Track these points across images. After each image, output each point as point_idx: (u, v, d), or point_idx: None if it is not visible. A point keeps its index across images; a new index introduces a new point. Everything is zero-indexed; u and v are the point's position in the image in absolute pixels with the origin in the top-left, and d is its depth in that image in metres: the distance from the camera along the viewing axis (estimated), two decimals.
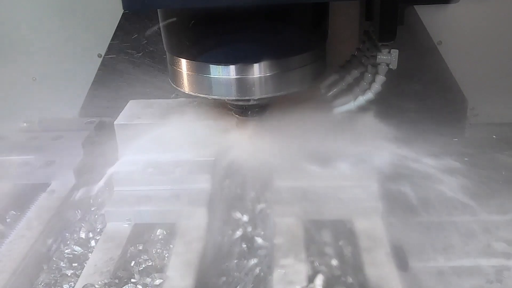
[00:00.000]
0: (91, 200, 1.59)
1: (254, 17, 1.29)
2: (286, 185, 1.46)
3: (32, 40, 1.98)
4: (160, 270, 1.31)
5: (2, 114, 2.08)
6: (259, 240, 1.37)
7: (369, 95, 1.52)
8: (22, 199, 1.58)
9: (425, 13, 1.80)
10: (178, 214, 1.43)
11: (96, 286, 1.23)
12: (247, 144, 1.55)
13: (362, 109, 1.57)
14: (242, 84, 1.37)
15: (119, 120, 1.65)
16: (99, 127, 1.88)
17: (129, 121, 1.64)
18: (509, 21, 1.86)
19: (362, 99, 1.53)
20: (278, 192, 1.45)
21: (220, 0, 1.19)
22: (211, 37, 1.34)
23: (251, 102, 1.48)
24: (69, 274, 1.34)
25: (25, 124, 1.93)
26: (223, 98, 1.46)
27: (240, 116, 1.57)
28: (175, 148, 1.58)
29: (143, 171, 1.54)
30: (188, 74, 1.44)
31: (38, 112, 1.99)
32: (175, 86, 1.51)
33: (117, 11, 1.82)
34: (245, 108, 1.54)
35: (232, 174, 1.50)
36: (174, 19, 1.36)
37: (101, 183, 1.52)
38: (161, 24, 1.44)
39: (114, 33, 1.89)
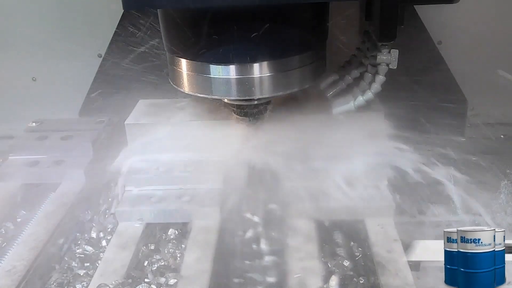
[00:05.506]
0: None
1: (254, 17, 1.29)
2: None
3: (32, 40, 1.99)
4: (173, 270, 1.31)
5: (2, 114, 2.08)
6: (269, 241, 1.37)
7: (369, 95, 1.52)
8: (32, 199, 1.58)
9: (425, 13, 1.80)
10: (190, 214, 1.44)
11: (110, 286, 1.23)
12: (253, 144, 1.55)
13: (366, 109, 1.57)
14: (242, 84, 1.37)
15: (130, 119, 1.64)
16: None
17: (140, 120, 1.64)
18: (509, 21, 1.86)
19: (361, 99, 1.53)
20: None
21: (220, 0, 1.19)
22: (211, 37, 1.33)
23: (251, 102, 1.48)
24: (81, 274, 1.34)
25: (34, 123, 1.93)
26: (222, 98, 1.46)
27: (240, 116, 1.57)
28: (185, 147, 1.57)
29: (154, 170, 1.55)
30: (188, 74, 1.44)
31: (38, 112, 1.99)
32: (175, 86, 1.51)
33: (117, 11, 1.82)
34: (246, 109, 1.54)
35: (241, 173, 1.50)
36: (174, 19, 1.37)
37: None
38: (161, 24, 1.44)
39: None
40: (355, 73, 1.59)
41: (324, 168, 1.47)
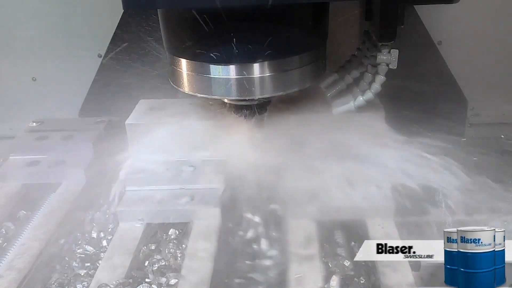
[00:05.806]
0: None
1: (254, 17, 1.29)
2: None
3: (32, 40, 1.99)
4: (174, 269, 1.31)
5: (2, 114, 2.08)
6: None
7: (369, 95, 1.52)
8: (33, 199, 1.58)
9: (425, 13, 1.80)
10: (191, 214, 1.44)
11: (111, 286, 1.23)
12: (253, 144, 1.56)
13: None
14: (241, 84, 1.37)
15: (130, 119, 1.64)
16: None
17: (140, 120, 1.64)
18: (509, 21, 1.86)
19: (361, 99, 1.53)
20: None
21: (220, 1, 1.19)
22: (211, 37, 1.33)
23: (250, 102, 1.48)
24: (82, 274, 1.34)
25: (34, 123, 1.93)
26: (222, 98, 1.46)
27: (239, 116, 1.57)
28: (186, 147, 1.57)
29: (155, 170, 1.55)
30: (188, 74, 1.44)
31: (38, 112, 1.99)
32: (175, 86, 1.51)
33: (117, 11, 1.82)
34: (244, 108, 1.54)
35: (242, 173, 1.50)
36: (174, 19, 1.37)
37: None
38: (161, 24, 1.44)
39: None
40: (355, 73, 1.59)
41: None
